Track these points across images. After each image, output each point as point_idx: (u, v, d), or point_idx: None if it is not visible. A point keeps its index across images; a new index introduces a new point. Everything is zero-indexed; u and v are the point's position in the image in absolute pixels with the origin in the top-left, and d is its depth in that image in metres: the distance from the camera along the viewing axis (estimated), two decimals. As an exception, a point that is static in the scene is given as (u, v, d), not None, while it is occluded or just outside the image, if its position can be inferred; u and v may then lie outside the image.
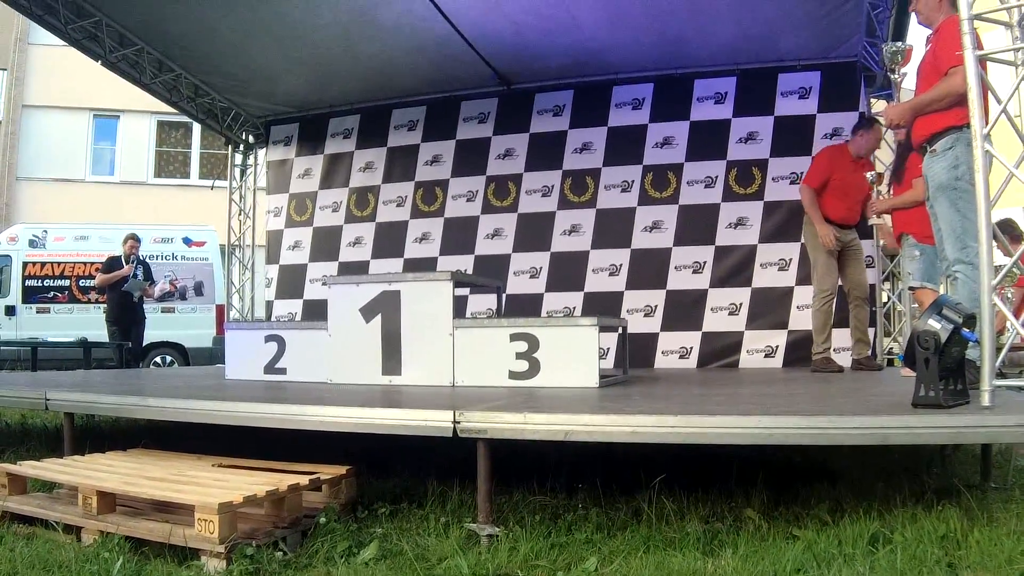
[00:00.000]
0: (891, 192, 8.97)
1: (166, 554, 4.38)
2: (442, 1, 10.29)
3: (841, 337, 9.75)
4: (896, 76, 6.45)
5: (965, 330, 4.50)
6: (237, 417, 5.67)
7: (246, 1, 10.54)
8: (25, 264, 19.07)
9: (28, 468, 5.49)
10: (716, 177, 11.64)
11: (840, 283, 9.34)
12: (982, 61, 5.01)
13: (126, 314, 13.85)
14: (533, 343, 7.10)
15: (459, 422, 4.74)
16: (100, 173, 30.67)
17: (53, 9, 10.90)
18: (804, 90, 11.45)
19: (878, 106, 11.62)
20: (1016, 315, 6.67)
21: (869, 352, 9.37)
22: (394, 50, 11.64)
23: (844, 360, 9.64)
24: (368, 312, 7.67)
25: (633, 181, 12.00)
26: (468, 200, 12.90)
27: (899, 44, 6.46)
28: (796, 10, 10.22)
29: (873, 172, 8.92)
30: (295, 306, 13.84)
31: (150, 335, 15.54)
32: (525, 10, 10.50)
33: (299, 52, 11.94)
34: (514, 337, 7.17)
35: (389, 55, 11.79)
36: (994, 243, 4.98)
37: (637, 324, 11.20)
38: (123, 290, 13.69)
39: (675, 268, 11.67)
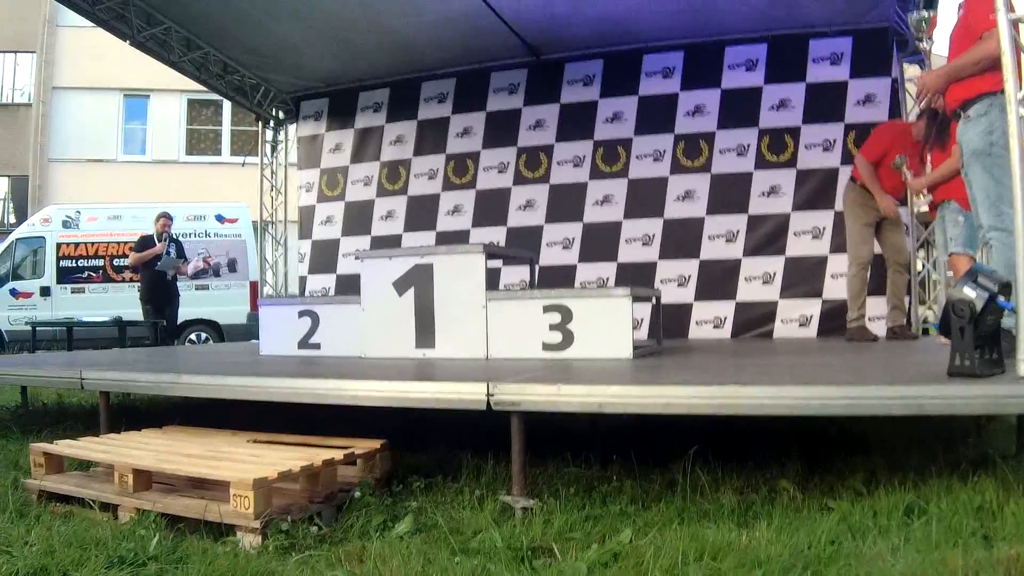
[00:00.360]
0: (931, 159, 8.86)
1: (202, 530, 4.41)
2: (469, -29, 10.26)
3: (876, 306, 9.67)
4: (924, 44, 6.37)
5: (1000, 298, 4.45)
6: (272, 393, 5.70)
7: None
8: (59, 245, 19.29)
9: (64, 447, 5.54)
10: (748, 145, 11.56)
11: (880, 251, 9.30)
12: (1015, 24, 4.95)
13: (160, 292, 13.91)
14: (566, 314, 7.08)
15: (493, 395, 4.74)
16: (132, 152, 30.94)
17: (80, -11, 10.93)
18: (836, 56, 11.34)
19: (911, 71, 11.52)
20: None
21: (904, 320, 9.30)
22: (422, 23, 11.58)
23: (879, 329, 9.59)
24: (401, 286, 7.67)
25: (665, 150, 11.94)
26: (499, 172, 12.87)
27: (924, 12, 6.39)
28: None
29: (901, 156, 8.77)
30: (328, 281, 13.87)
31: (184, 312, 15.63)
32: (553, -21, 10.45)
33: (326, 27, 11.92)
34: (547, 309, 7.15)
35: (417, 28, 11.74)
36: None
37: (670, 294, 11.16)
38: (156, 269, 13.75)
39: (708, 237, 11.61)
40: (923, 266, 11.77)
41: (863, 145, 9.56)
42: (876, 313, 9.73)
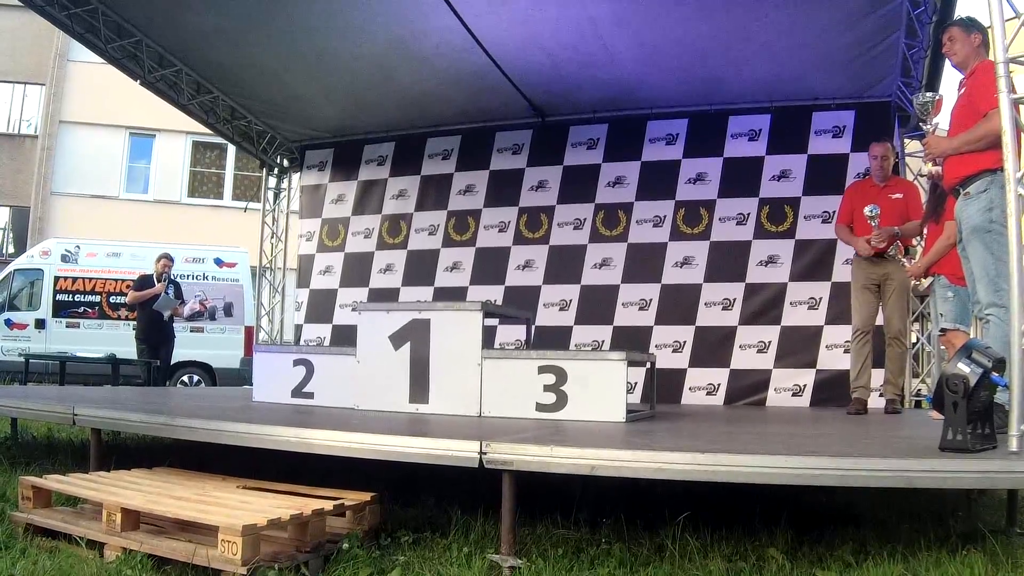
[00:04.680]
0: (926, 232, 8.89)
1: (188, 573, 4.39)
2: (480, 33, 10.36)
3: (878, 377, 9.59)
4: (928, 126, 6.42)
5: (994, 374, 4.48)
6: (264, 440, 5.69)
7: (286, 33, 10.68)
8: (57, 278, 19.27)
9: (53, 482, 5.52)
10: (748, 214, 11.64)
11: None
12: (1016, 104, 5.01)
13: (155, 332, 13.89)
14: (561, 376, 7.09)
15: (485, 453, 4.74)
16: (134, 191, 31.00)
17: (94, 28, 11.03)
18: (838, 129, 11.45)
19: (911, 146, 11.60)
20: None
21: (894, 393, 9.18)
22: (431, 80, 11.73)
23: (880, 400, 9.52)
24: (397, 339, 7.67)
25: (665, 216, 12.01)
26: (500, 231, 12.93)
27: (929, 95, 6.42)
28: (830, 52, 10.23)
29: (873, 207, 8.75)
30: (324, 331, 13.88)
31: (178, 354, 15.59)
32: (562, 44, 10.56)
33: (337, 81, 12.07)
34: (542, 369, 7.16)
35: (426, 85, 11.87)
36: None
37: (665, 359, 11.15)
38: (153, 309, 13.75)
39: (705, 304, 11.65)
40: (917, 339, 11.78)
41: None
42: (875, 384, 9.66)
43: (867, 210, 8.64)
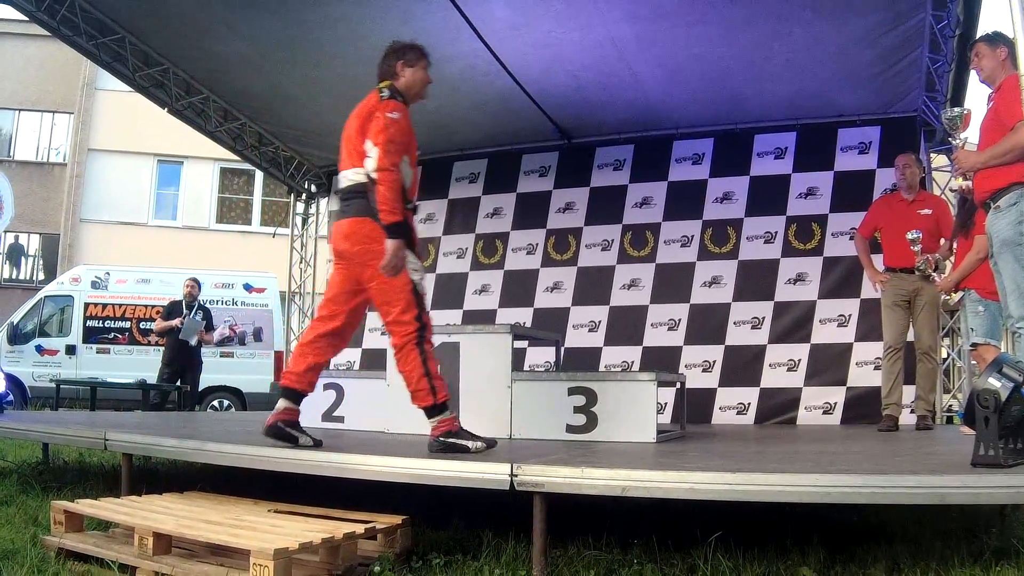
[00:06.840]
0: (955, 246, 8.83)
1: (221, 598, 4.40)
2: (505, 56, 10.41)
3: (909, 393, 9.51)
4: (957, 141, 6.39)
5: (1025, 389, 4.46)
6: (294, 464, 5.70)
7: (311, 60, 10.75)
8: (87, 305, 19.47)
9: (86, 507, 5.53)
10: (775, 232, 11.61)
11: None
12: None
13: (182, 358, 13.95)
14: (591, 397, 7.08)
15: (516, 476, 4.73)
16: (163, 218, 31.24)
17: (122, 57, 11.16)
18: (864, 145, 11.42)
19: (938, 161, 11.57)
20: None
21: (925, 410, 9.11)
22: (457, 104, 11.73)
23: (911, 417, 9.45)
24: (427, 363, 7.68)
25: (693, 236, 11.99)
26: (528, 253, 12.93)
27: (957, 110, 6.39)
28: (854, 68, 10.24)
29: (917, 231, 8.68)
30: (353, 355, 13.85)
31: (208, 379, 15.69)
32: (586, 66, 10.60)
33: (364, 107, 12.11)
34: (572, 391, 7.16)
35: (451, 109, 11.86)
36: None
37: (695, 379, 11.10)
38: (179, 338, 13.80)
39: (734, 323, 11.61)
40: (948, 354, 11.70)
41: None
42: (907, 401, 9.59)
43: (910, 235, 8.56)
